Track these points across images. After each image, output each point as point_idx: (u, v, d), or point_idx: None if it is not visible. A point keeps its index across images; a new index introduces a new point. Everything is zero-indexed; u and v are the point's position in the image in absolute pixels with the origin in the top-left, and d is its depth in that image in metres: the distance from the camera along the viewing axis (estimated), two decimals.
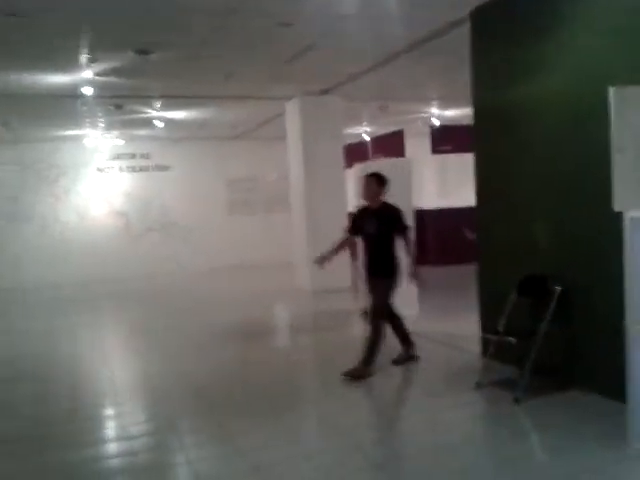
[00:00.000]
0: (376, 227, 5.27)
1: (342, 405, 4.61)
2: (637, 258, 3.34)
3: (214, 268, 14.42)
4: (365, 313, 7.65)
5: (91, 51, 6.62)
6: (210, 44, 6.56)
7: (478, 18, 5.32)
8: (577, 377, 4.37)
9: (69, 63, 7.06)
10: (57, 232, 13.80)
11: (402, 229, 5.28)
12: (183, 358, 6.32)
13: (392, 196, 7.03)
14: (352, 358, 5.25)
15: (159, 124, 10.95)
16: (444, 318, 7.28)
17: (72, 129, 12.04)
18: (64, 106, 9.55)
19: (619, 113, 3.19)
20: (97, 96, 8.73)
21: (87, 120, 11.10)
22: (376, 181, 5.38)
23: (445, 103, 11.87)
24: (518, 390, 4.26)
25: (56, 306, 10.71)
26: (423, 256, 12.22)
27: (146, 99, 9.57)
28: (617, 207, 3.33)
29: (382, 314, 5.29)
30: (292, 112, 10.20)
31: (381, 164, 7.23)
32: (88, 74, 7.52)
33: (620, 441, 3.45)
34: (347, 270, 9.87)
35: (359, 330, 6.94)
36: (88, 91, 7.89)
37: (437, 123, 12.98)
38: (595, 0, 4.14)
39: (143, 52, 6.57)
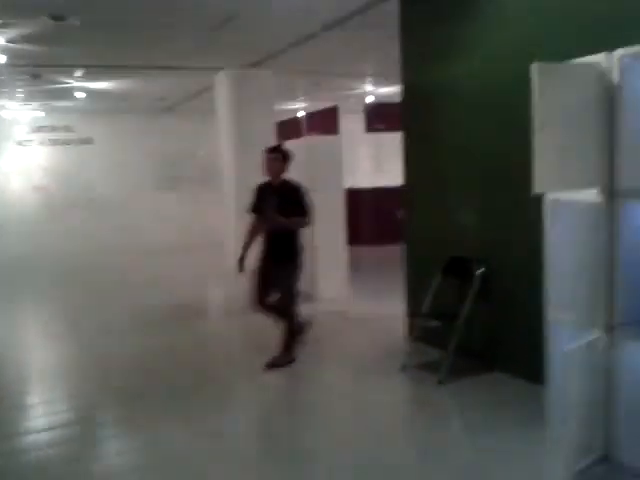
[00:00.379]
0: (276, 206, 4.80)
1: (263, 392, 4.48)
2: (556, 241, 3.32)
3: (142, 247, 13.89)
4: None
5: (1, 16, 6.11)
6: (128, 10, 6.16)
7: None
8: (499, 360, 4.39)
9: None
10: None
11: (302, 212, 4.83)
12: (103, 343, 6.03)
13: (322, 175, 6.92)
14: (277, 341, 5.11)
15: (80, 95, 10.37)
16: (373, 300, 7.25)
17: None
18: None
19: (541, 90, 3.10)
20: (11, 65, 8.12)
21: (4, 90, 10.38)
22: (281, 156, 4.97)
23: (379, 80, 11.76)
24: (441, 372, 4.23)
25: None
26: (357, 236, 12.25)
27: (65, 68, 8.99)
28: (537, 189, 3.27)
29: (292, 299, 4.91)
30: (221, 85, 9.84)
31: (311, 142, 7.06)
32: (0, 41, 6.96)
33: (538, 423, 3.46)
34: None
35: None
36: (1, 59, 7.30)
37: (371, 100, 12.88)
38: None
39: (58, 18, 6.09)
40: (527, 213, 3.97)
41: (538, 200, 3.42)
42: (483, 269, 4.29)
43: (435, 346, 4.80)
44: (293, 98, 13.18)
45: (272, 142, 10.00)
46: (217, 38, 7.43)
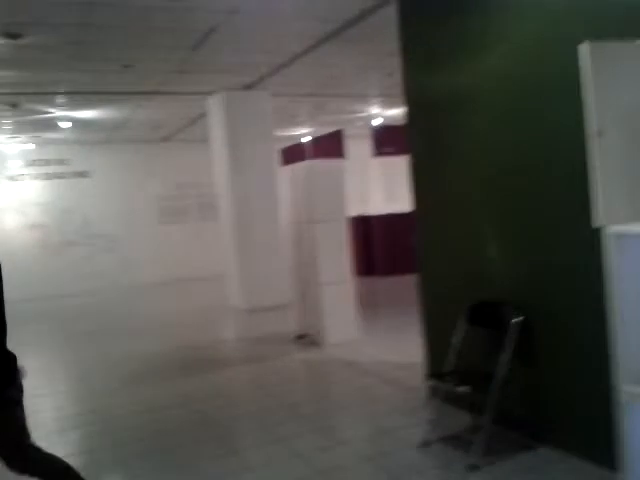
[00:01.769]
0: None
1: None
2: (623, 285, 2.44)
3: (142, 283, 13.22)
4: (300, 337, 6.69)
5: None
6: (93, 26, 5.45)
7: None
8: (547, 431, 3.45)
9: None
10: None
11: None
12: (96, 396, 5.21)
13: (324, 202, 6.11)
14: (282, 394, 4.23)
15: (66, 125, 9.69)
16: (388, 342, 6.33)
17: None
18: None
19: (596, 81, 2.26)
20: None
21: None
22: None
23: (385, 102, 11.00)
24: (474, 453, 3.32)
25: None
26: (370, 266, 11.41)
27: (44, 96, 8.31)
28: (598, 221, 2.41)
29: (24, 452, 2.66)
30: (215, 110, 9.10)
31: (311, 166, 6.26)
32: None
33: None
34: (283, 285, 8.89)
35: (292, 359, 5.96)
36: None
37: (378, 123, 12.13)
38: None
39: (11, 35, 5.38)
40: (578, 246, 3.10)
41: (595, 232, 2.56)
42: (521, 317, 3.40)
43: (464, 408, 3.90)
44: (296, 123, 12.47)
45: (272, 169, 9.29)
46: (200, 57, 6.71)
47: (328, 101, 10.28)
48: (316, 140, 11.77)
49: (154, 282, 13.28)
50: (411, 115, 4.44)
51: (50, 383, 5.88)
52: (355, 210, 10.74)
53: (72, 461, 2.85)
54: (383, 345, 6.24)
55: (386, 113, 12.06)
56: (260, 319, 8.22)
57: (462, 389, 3.29)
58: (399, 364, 5.45)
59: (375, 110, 11.63)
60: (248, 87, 8.69)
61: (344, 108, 11.17)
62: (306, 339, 6.51)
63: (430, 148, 4.28)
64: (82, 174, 13.32)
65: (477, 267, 3.89)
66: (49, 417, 4.83)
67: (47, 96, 8.33)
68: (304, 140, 13.65)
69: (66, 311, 10.86)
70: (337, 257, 6.26)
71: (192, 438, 4.09)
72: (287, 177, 6.64)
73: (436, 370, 4.00)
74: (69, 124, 9.74)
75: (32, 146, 11.84)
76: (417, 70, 4.36)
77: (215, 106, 9.03)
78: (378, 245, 11.51)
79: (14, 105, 8.60)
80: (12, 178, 12.73)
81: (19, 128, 10.46)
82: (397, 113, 12.23)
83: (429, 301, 4.43)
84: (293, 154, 11.65)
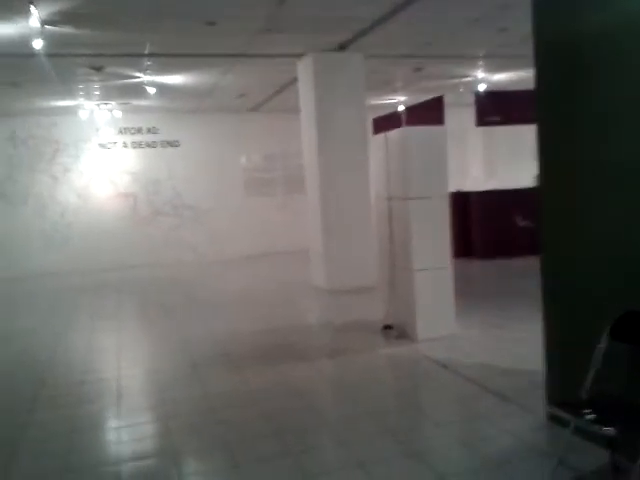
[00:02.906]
0: None
1: None
2: None
3: (228, 256, 12.96)
4: (387, 327, 5.98)
5: None
6: None
7: None
8: None
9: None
10: (56, 215, 12.45)
11: None
12: (158, 385, 4.80)
13: (422, 176, 5.31)
14: (366, 399, 3.54)
15: (151, 90, 9.33)
16: (489, 339, 5.47)
17: (63, 99, 10.53)
18: (33, 68, 8.00)
19: None
20: (54, 54, 7.15)
21: (77, 87, 9.58)
22: None
23: (493, 63, 9.88)
24: None
25: (49, 299, 9.34)
26: (467, 248, 10.42)
27: (127, 58, 7.94)
28: None
29: None
30: (304, 74, 8.40)
31: (407, 133, 5.43)
32: (34, 22, 5.92)
33: None
34: (370, 266, 8.18)
35: (378, 355, 5.25)
36: (37, 44, 6.25)
37: (483, 89, 11.00)
38: None
39: None
40: None
41: None
42: None
43: (599, 443, 3.03)
44: (390, 90, 11.55)
45: (365, 139, 8.51)
46: (289, 12, 6.02)
47: (427, 63, 9.32)
48: (413, 108, 10.82)
49: (239, 255, 12.99)
50: (542, 66, 3.50)
51: (117, 362, 5.52)
52: (452, 185, 9.79)
53: None
54: (484, 343, 5.37)
55: (492, 78, 10.92)
56: (344, 302, 7.57)
57: (608, 431, 2.44)
58: (504, 369, 4.60)
59: (480, 74, 10.52)
60: (341, 48, 7.91)
61: (445, 72, 10.16)
62: (394, 331, 5.76)
63: (567, 110, 3.33)
64: (172, 143, 13.11)
65: (624, 262, 2.97)
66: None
67: (131, 58, 7.95)
68: (399, 109, 12.73)
69: (149, 283, 10.72)
70: (435, 239, 5.43)
71: (250, 451, 3.48)
72: (379, 146, 5.85)
73: (565, 396, 3.14)
74: (154, 90, 9.37)
75: (120, 114, 11.64)
76: (559, 15, 3.40)
77: (304, 70, 8.33)
78: (476, 225, 10.48)
79: (99, 68, 8.30)
80: (103, 146, 12.71)
81: (107, 93, 10.25)
82: (505, 77, 11.06)
83: (557, 301, 3.53)
84: (386, 124, 10.78)
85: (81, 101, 10.87)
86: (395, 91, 11.58)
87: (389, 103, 12.83)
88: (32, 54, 6.82)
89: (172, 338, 6.31)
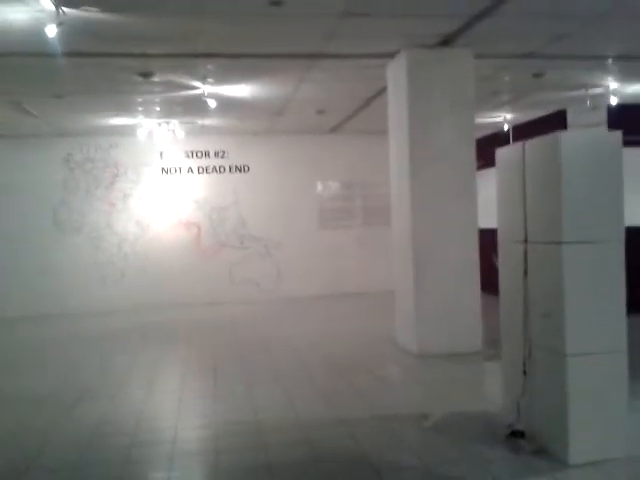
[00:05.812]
0: None
1: None
2: None
3: (296, 294, 11.35)
4: (516, 434, 4.05)
5: None
6: None
7: None
8: None
9: None
10: (112, 246, 11.26)
11: None
12: None
13: (588, 205, 3.41)
14: None
15: (212, 103, 7.88)
16: None
17: (117, 115, 9.31)
18: (71, 73, 6.73)
19: None
20: (87, 53, 5.83)
21: (129, 100, 8.30)
22: None
23: (630, 68, 7.80)
24: None
25: (103, 346, 7.86)
26: (632, 303, 7.81)
27: (179, 59, 6.50)
28: None
29: None
30: (396, 77, 6.66)
31: (568, 139, 3.55)
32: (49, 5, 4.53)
33: None
34: (472, 325, 6.31)
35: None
36: (50, 31, 4.84)
37: (614, 103, 8.90)
38: None
39: None
40: None
41: None
42: None
43: None
44: (498, 104, 9.60)
45: (471, 159, 6.67)
46: None
47: (550, 66, 7.38)
48: (524, 127, 8.88)
49: (309, 295, 11.36)
50: None
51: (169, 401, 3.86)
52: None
53: None
54: None
55: (626, 91, 8.82)
56: (441, 375, 5.62)
57: None
58: None
59: (612, 84, 8.45)
60: (444, 43, 6.15)
61: (568, 79, 8.14)
62: (528, 442, 3.80)
63: None
64: (241, 169, 11.73)
65: None
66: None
67: (185, 60, 6.52)
68: (504, 128, 10.77)
69: (208, 324, 9.22)
70: (603, 306, 3.50)
71: None
72: (510, 164, 4.02)
73: None
74: (215, 103, 7.90)
75: (183, 134, 10.31)
76: None
77: (396, 73, 6.60)
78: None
79: (147, 75, 6.91)
80: (166, 170, 11.48)
81: (167, 110, 8.94)
82: None
83: None
84: (489, 146, 8.86)
85: (140, 119, 9.64)
86: (501, 105, 9.62)
87: (489, 122, 10.88)
88: (58, 53, 5.51)
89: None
